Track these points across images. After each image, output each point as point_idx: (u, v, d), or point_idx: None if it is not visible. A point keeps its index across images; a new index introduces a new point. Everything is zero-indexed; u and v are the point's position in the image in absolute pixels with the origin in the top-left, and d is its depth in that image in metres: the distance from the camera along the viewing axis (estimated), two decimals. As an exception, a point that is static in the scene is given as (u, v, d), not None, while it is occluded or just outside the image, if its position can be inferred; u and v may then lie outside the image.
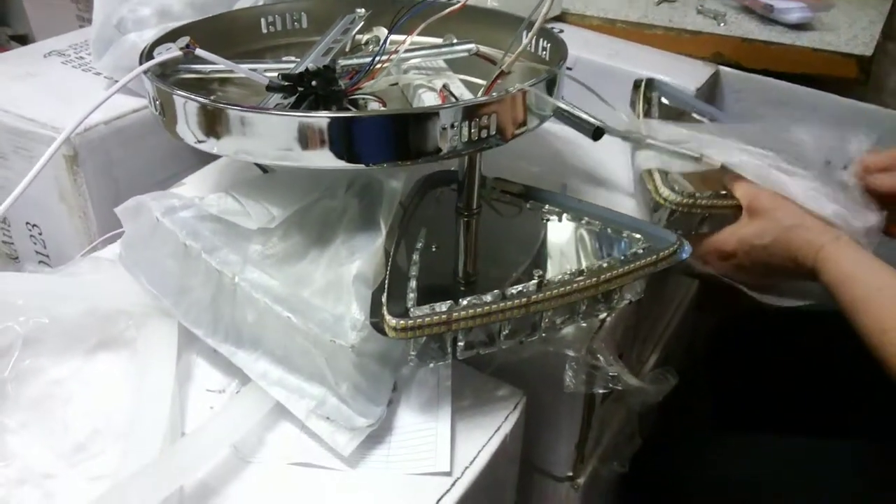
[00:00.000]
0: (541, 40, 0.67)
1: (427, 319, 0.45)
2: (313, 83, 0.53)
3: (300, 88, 0.54)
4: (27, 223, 0.78)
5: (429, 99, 0.55)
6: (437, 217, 0.59)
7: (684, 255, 0.52)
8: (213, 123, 0.50)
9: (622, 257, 0.51)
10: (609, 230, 0.57)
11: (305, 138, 0.48)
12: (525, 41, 0.56)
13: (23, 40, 1.59)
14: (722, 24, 0.96)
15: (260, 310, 0.49)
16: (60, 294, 0.55)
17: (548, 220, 0.59)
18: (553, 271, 0.51)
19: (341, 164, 0.48)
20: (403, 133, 0.48)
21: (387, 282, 0.49)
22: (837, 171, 0.64)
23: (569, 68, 0.64)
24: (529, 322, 0.50)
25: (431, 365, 0.50)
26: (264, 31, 0.73)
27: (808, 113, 0.80)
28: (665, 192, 0.63)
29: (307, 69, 0.54)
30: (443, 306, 0.46)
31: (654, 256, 0.51)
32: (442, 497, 0.46)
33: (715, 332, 0.85)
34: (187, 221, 0.52)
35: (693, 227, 0.66)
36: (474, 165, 0.56)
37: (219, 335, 0.51)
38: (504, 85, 0.56)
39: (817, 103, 0.86)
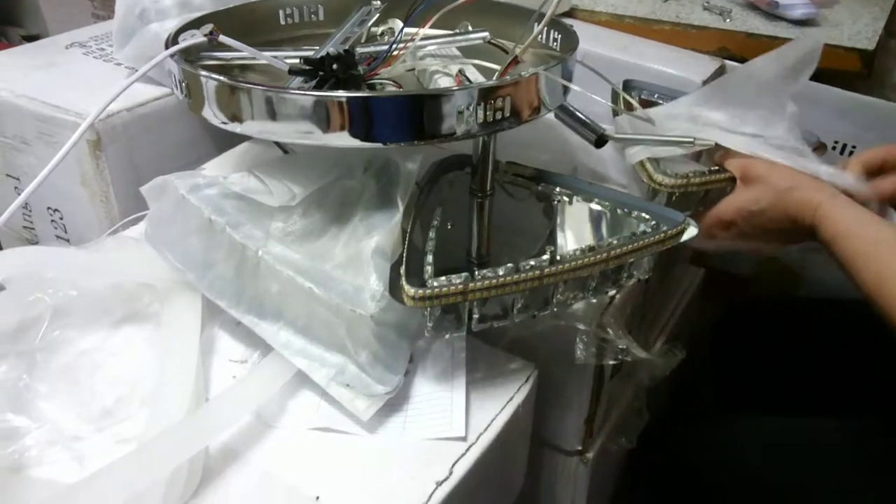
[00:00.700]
0: (552, 31, 0.69)
1: (444, 289, 0.47)
2: (334, 66, 0.55)
3: (321, 72, 0.56)
4: (48, 208, 0.80)
5: (445, 83, 0.57)
6: (451, 199, 0.61)
7: (692, 233, 0.54)
8: (238, 104, 0.52)
9: (631, 235, 0.53)
10: (619, 211, 0.58)
11: (326, 117, 0.50)
12: (538, 28, 0.58)
13: (35, 41, 1.62)
14: (727, 20, 0.98)
15: (282, 282, 0.50)
16: (88, 268, 0.57)
17: (559, 201, 0.61)
18: (565, 248, 0.53)
19: (360, 143, 0.50)
20: (420, 114, 0.50)
21: (404, 256, 0.51)
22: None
23: (578, 61, 0.66)
24: (542, 296, 0.52)
25: (447, 336, 0.51)
26: (282, 22, 0.75)
27: (812, 106, 0.82)
28: (659, 177, 0.64)
29: (328, 54, 0.56)
30: (459, 278, 0.48)
31: (662, 234, 0.53)
32: (457, 461, 0.47)
33: (720, 320, 0.87)
34: (212, 198, 0.54)
35: (692, 208, 0.67)
36: (488, 148, 0.58)
37: (242, 307, 0.53)
38: (517, 72, 0.58)
39: (821, 97, 0.87)
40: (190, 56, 0.62)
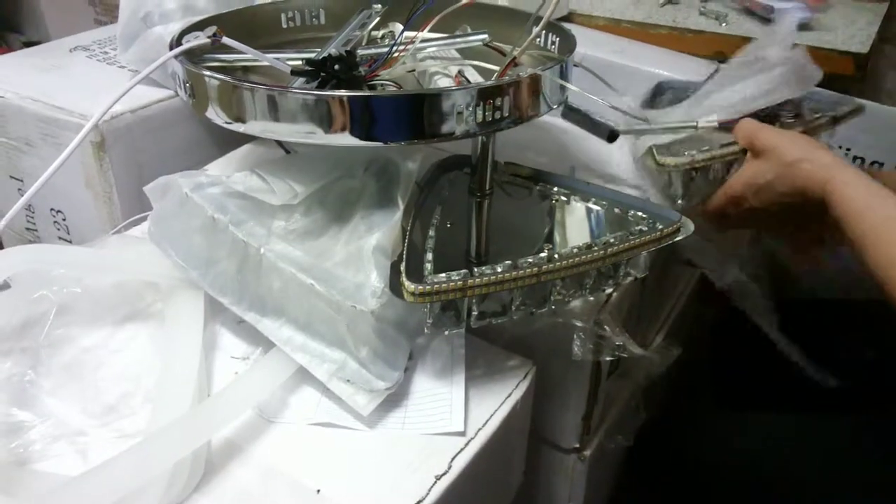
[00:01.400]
0: (550, 35, 0.70)
1: (443, 286, 0.47)
2: (336, 67, 0.56)
3: (323, 73, 0.57)
4: (51, 209, 0.81)
5: (444, 84, 0.58)
6: (451, 198, 0.61)
7: (688, 231, 0.54)
8: (241, 103, 0.53)
9: (628, 233, 0.54)
10: (616, 210, 0.59)
11: (328, 117, 0.51)
12: (536, 30, 0.59)
13: (36, 46, 1.62)
14: (724, 25, 0.99)
15: (284, 278, 0.51)
16: (93, 266, 0.58)
17: (557, 201, 0.62)
18: (562, 246, 0.54)
19: (361, 142, 0.51)
20: (420, 113, 0.51)
21: (405, 254, 0.52)
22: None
23: (576, 63, 0.67)
24: (540, 294, 0.53)
25: (446, 333, 0.52)
26: (284, 25, 0.76)
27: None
28: (665, 159, 0.64)
29: (330, 55, 0.57)
30: (458, 274, 0.48)
31: (658, 233, 0.54)
32: (456, 455, 0.48)
33: (719, 321, 0.87)
34: (215, 197, 0.55)
35: (715, 188, 0.66)
36: (487, 148, 0.59)
37: (244, 304, 0.54)
38: (516, 73, 0.59)
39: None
40: (193, 58, 0.63)
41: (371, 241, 0.52)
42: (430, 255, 0.52)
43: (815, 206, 0.56)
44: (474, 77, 0.59)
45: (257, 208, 0.55)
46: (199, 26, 0.64)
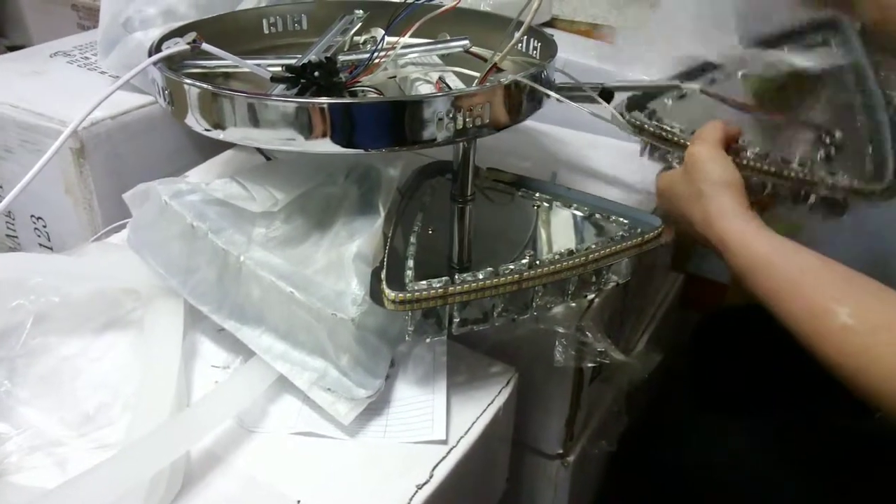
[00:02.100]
0: (531, 40, 0.70)
1: (424, 293, 0.47)
2: (316, 74, 0.56)
3: (303, 80, 0.56)
4: (32, 216, 0.80)
5: (425, 90, 0.58)
6: (432, 204, 0.61)
7: (669, 238, 0.55)
8: (221, 111, 0.52)
9: (609, 239, 0.54)
10: (597, 216, 0.59)
11: (308, 124, 0.50)
12: (517, 35, 0.59)
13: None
14: (706, 30, 0.99)
15: (264, 286, 0.51)
16: (70, 275, 0.57)
17: (538, 207, 0.62)
18: (544, 252, 0.54)
19: (342, 149, 0.51)
20: (401, 120, 0.51)
21: (385, 261, 0.52)
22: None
23: (558, 69, 0.68)
24: (522, 300, 0.53)
25: (428, 340, 0.52)
26: (266, 31, 0.75)
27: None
28: (633, 116, 0.64)
29: (310, 61, 0.56)
30: (439, 282, 0.48)
31: (640, 238, 0.54)
32: (438, 464, 0.48)
33: (700, 327, 0.88)
34: (194, 204, 0.55)
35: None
36: (468, 154, 0.59)
37: (224, 312, 0.53)
38: (497, 79, 0.59)
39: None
40: (173, 64, 0.63)
41: (352, 248, 0.52)
42: (411, 262, 0.52)
43: (700, 241, 0.56)
44: (455, 83, 0.59)
45: (237, 216, 0.55)
46: (178, 32, 0.64)
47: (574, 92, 0.68)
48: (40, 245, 0.82)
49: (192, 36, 0.61)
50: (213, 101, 0.52)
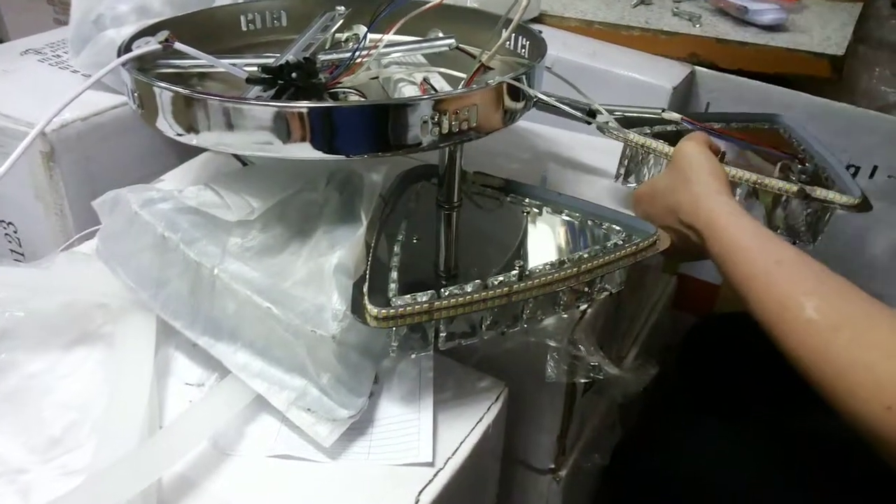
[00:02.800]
0: (520, 38, 0.67)
1: (409, 308, 0.45)
2: (293, 75, 0.53)
3: (280, 81, 0.54)
4: (2, 221, 0.77)
5: (409, 92, 0.56)
6: (417, 211, 0.59)
7: (665, 245, 0.52)
8: (193, 115, 0.50)
9: (602, 248, 0.51)
10: (589, 222, 0.57)
11: (286, 129, 0.48)
12: (505, 34, 0.57)
13: (-6, 46, 1.57)
14: (697, 26, 0.97)
15: (239, 301, 0.48)
16: (37, 288, 0.54)
17: (528, 213, 0.59)
18: (534, 262, 0.51)
19: (322, 155, 0.48)
20: (383, 124, 0.48)
21: (368, 273, 0.49)
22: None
23: (547, 68, 0.65)
24: (511, 313, 0.50)
25: (413, 356, 0.49)
26: (244, 28, 0.73)
27: (783, 112, 0.81)
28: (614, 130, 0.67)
29: (287, 62, 0.54)
30: (424, 296, 0.46)
31: (634, 247, 0.52)
32: (424, 488, 0.45)
33: (691, 331, 0.86)
34: (166, 213, 0.52)
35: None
36: (455, 158, 0.56)
37: (197, 327, 0.51)
38: (484, 80, 0.56)
39: (791, 102, 0.87)
40: (146, 64, 0.60)
41: (332, 259, 0.50)
42: (394, 274, 0.49)
43: (683, 231, 0.55)
44: (441, 84, 0.57)
45: (212, 225, 0.52)
46: (151, 31, 0.61)
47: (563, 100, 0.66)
48: (11, 251, 0.79)
49: (164, 35, 0.58)
50: (184, 105, 0.49)
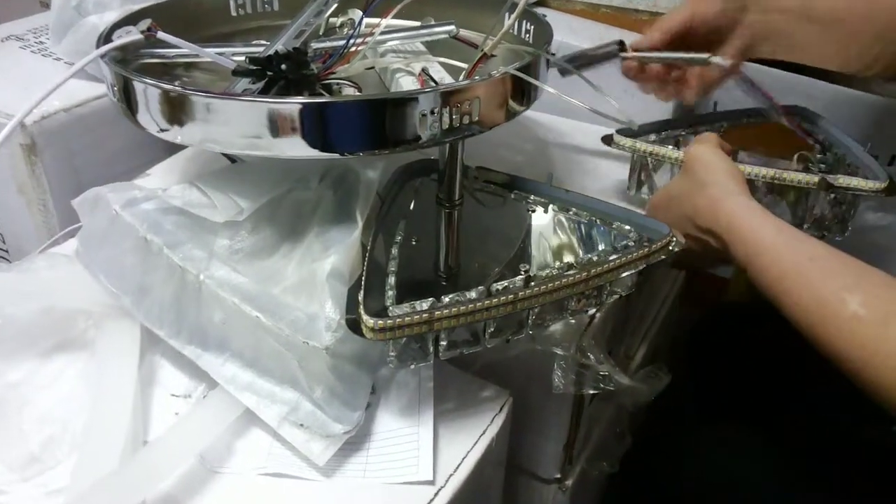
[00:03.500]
0: (524, 23, 0.64)
1: (407, 319, 0.42)
2: (283, 67, 0.50)
3: (269, 73, 0.50)
4: (-16, 217, 0.74)
5: (407, 83, 0.52)
6: (416, 209, 0.56)
7: (680, 246, 0.49)
8: (176, 111, 0.46)
9: (613, 250, 0.48)
10: (598, 221, 0.54)
11: (275, 126, 0.44)
12: (508, 22, 0.53)
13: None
14: (709, 9, 0.93)
15: (227, 309, 0.45)
16: (15, 292, 0.52)
17: (533, 210, 0.56)
18: (540, 265, 0.49)
19: (314, 153, 0.45)
20: (380, 120, 0.45)
21: (364, 278, 0.46)
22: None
23: (552, 53, 0.62)
24: (516, 319, 0.47)
25: (412, 366, 0.47)
26: (233, 13, 0.69)
27: (799, 100, 0.78)
28: (621, 139, 0.65)
29: (276, 52, 0.51)
30: (424, 304, 0.43)
31: (647, 249, 0.49)
32: (424, 508, 0.43)
33: (696, 327, 0.83)
34: (148, 214, 0.49)
35: None
36: (456, 154, 0.53)
37: (183, 336, 0.48)
38: (487, 69, 0.53)
39: (808, 91, 0.83)
40: (129, 54, 0.57)
41: (325, 265, 0.47)
42: (392, 280, 0.46)
43: (703, 238, 0.53)
44: (441, 75, 0.53)
45: (197, 226, 0.49)
46: (134, 18, 0.58)
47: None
48: (-5, 247, 0.76)
49: (146, 23, 0.55)
50: (165, 100, 0.46)
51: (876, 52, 0.61)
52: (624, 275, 0.48)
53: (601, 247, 0.52)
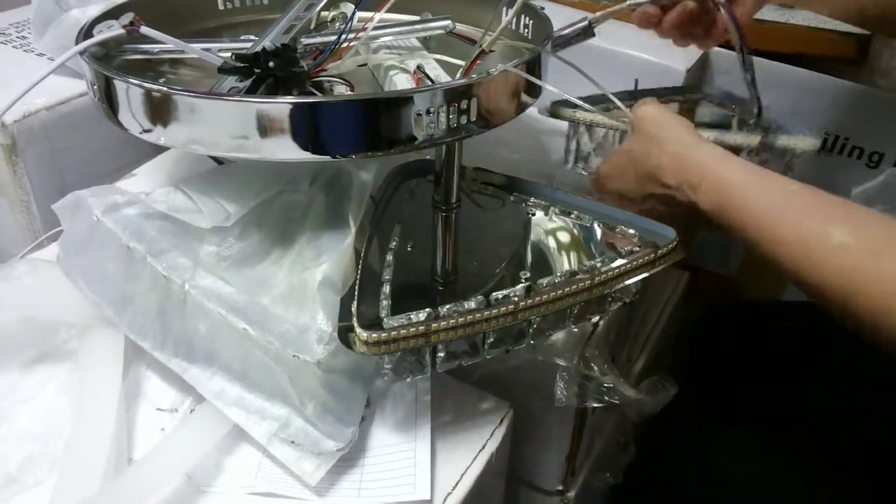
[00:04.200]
0: (523, 17, 0.61)
1: (403, 332, 0.40)
2: (271, 64, 0.47)
3: (257, 70, 0.48)
4: (-35, 219, 0.72)
5: (402, 82, 0.50)
6: (412, 212, 0.54)
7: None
8: (158, 111, 0.44)
9: (617, 256, 0.46)
10: (601, 225, 0.52)
11: (264, 127, 0.42)
12: (507, 18, 0.51)
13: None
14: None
15: (213, 321, 0.43)
16: (-8, 302, 0.49)
17: (533, 213, 0.54)
18: (541, 272, 0.46)
19: (305, 155, 0.43)
20: (374, 120, 0.43)
21: (357, 287, 0.44)
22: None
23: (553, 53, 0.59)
24: (516, 329, 0.45)
25: (409, 379, 0.44)
26: (221, 7, 0.67)
27: (801, 94, 0.76)
28: (559, 110, 0.65)
29: (264, 48, 0.48)
30: (420, 315, 0.41)
31: (652, 255, 0.47)
32: (421, 529, 0.41)
33: (698, 327, 0.81)
34: (131, 220, 0.46)
35: None
36: (453, 155, 0.51)
37: (168, 349, 0.46)
38: (484, 66, 0.51)
39: (811, 84, 0.81)
40: (112, 50, 0.55)
41: (317, 274, 0.44)
42: (387, 289, 0.44)
43: (662, 192, 0.51)
44: (436, 73, 0.51)
45: (183, 232, 0.47)
46: (117, 12, 0.55)
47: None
48: (-23, 251, 0.74)
49: (129, 17, 0.52)
50: (147, 100, 0.44)
51: None
52: (630, 282, 0.46)
53: (604, 252, 0.50)
